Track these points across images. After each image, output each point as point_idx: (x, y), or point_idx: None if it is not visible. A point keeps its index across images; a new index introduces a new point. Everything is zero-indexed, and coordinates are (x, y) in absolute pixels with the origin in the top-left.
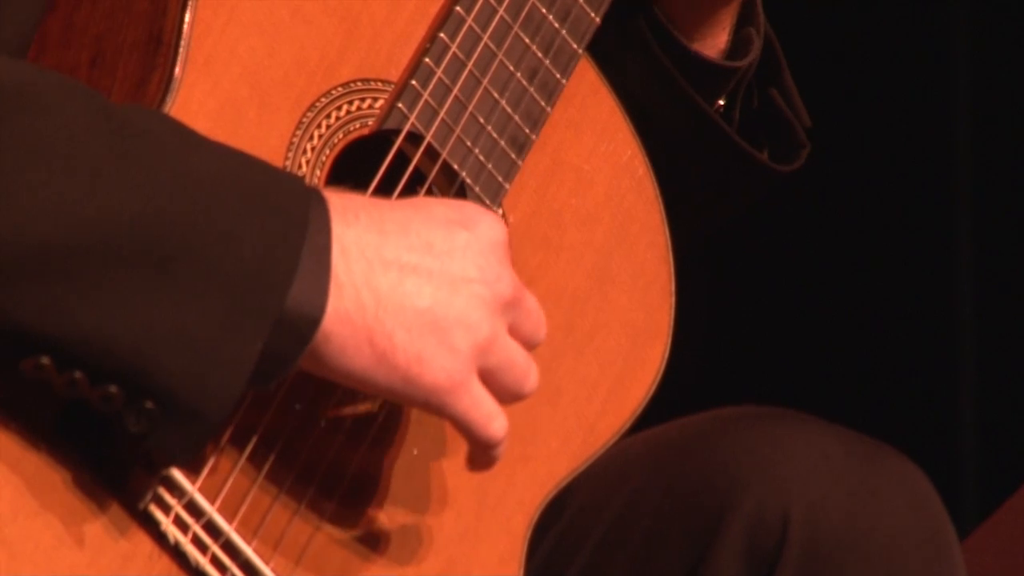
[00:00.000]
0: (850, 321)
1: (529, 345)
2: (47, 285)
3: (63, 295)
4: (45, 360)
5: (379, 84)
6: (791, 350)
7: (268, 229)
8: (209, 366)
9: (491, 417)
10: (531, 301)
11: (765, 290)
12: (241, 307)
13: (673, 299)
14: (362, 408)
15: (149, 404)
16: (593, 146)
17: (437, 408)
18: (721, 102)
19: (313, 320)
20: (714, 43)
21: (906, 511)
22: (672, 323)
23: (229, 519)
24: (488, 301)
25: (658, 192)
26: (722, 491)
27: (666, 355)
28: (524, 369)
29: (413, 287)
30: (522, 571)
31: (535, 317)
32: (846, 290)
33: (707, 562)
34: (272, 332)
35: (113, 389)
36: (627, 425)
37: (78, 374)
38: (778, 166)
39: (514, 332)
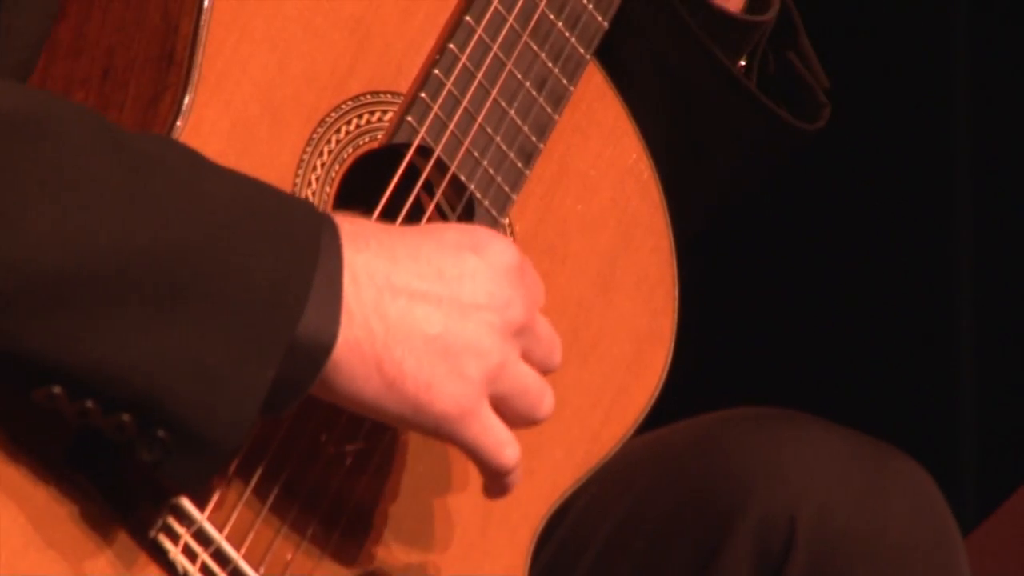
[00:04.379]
0: (850, 322)
1: (543, 370)
2: (59, 314)
3: (75, 324)
4: (57, 389)
5: (388, 96)
6: (790, 351)
7: (280, 257)
8: (222, 395)
9: (502, 444)
10: (544, 326)
11: (764, 291)
12: (253, 336)
13: (676, 303)
14: (366, 436)
15: (161, 433)
16: (599, 150)
17: (447, 436)
18: (742, 63)
19: (325, 347)
20: (734, 1)
21: (912, 513)
22: (675, 327)
23: (237, 547)
24: (498, 327)
25: (663, 196)
26: (729, 494)
27: (669, 360)
28: (538, 394)
29: (423, 314)
30: None
31: (548, 342)
32: (845, 292)
33: (715, 564)
34: (284, 360)
35: (125, 418)
36: (630, 432)
37: (90, 403)
38: (803, 124)
39: (527, 357)
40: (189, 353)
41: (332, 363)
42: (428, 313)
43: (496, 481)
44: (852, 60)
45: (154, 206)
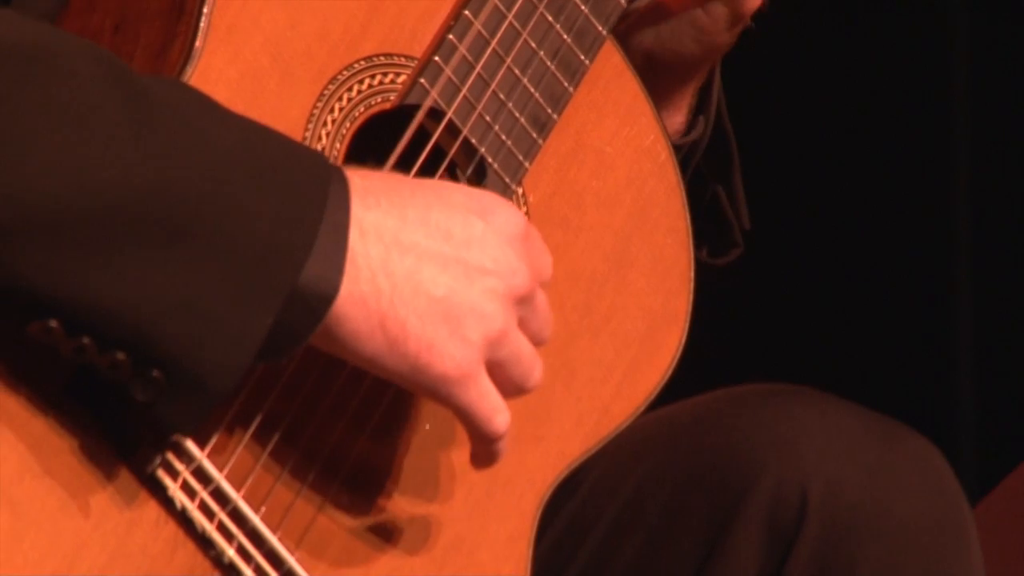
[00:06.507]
0: (852, 304)
1: (536, 342)
2: (59, 249)
3: (74, 259)
4: (53, 323)
5: (402, 59)
6: (792, 334)
7: (286, 203)
8: (217, 338)
9: (495, 410)
10: (541, 299)
11: (769, 275)
12: (253, 281)
13: (692, 285)
14: (376, 378)
15: (156, 373)
16: (616, 129)
17: (444, 397)
18: None
19: (327, 298)
20: (670, 123)
21: (923, 489)
22: (690, 310)
23: (237, 487)
24: (503, 294)
25: (680, 178)
26: (740, 469)
27: (683, 341)
28: (530, 363)
29: (429, 275)
30: (531, 550)
31: (543, 315)
32: (849, 275)
33: (726, 539)
34: (285, 308)
35: (120, 356)
36: (641, 408)
37: (86, 339)
38: (709, 260)
39: (523, 327)
40: (187, 293)
41: (335, 316)
42: (434, 274)
43: (485, 447)
44: (855, 56)
45: (159, 145)
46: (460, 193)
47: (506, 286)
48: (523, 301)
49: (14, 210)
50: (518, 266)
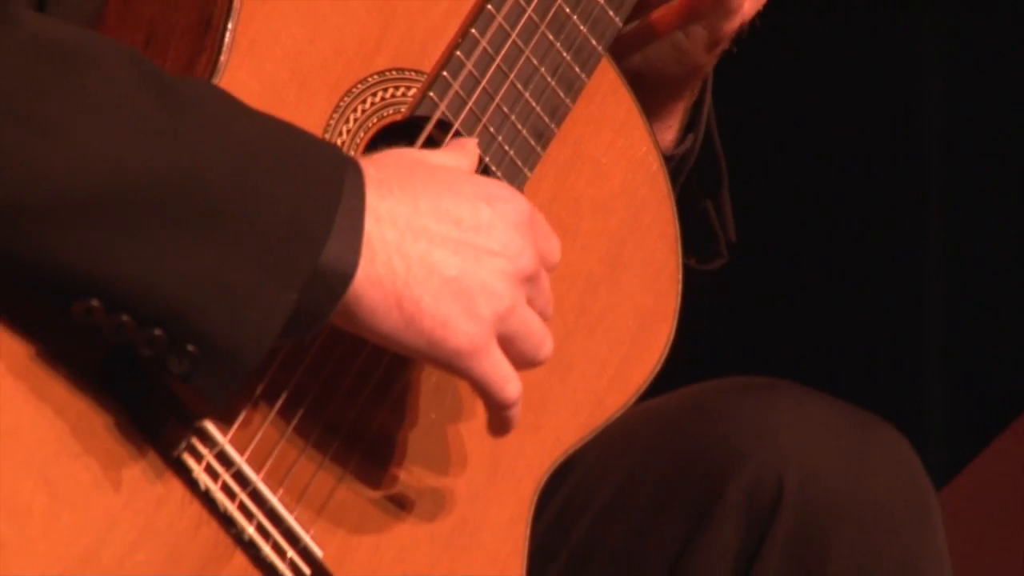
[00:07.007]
0: (828, 306)
1: (542, 317)
2: (95, 230)
3: (110, 240)
4: (95, 303)
5: (412, 74)
6: (772, 332)
7: (306, 190)
8: (246, 313)
9: (507, 380)
10: (545, 279)
11: (751, 278)
12: (277, 260)
13: (680, 287)
14: (384, 372)
15: (191, 347)
16: (611, 141)
17: (459, 370)
18: None
19: (345, 276)
20: (660, 139)
21: (893, 475)
22: (678, 309)
23: (257, 470)
24: (510, 274)
25: (670, 187)
26: (722, 458)
27: (671, 338)
28: (540, 337)
29: (441, 257)
30: (529, 531)
31: (547, 293)
32: (824, 280)
33: (708, 522)
34: (306, 286)
35: (158, 332)
36: (632, 400)
37: (125, 317)
38: (696, 264)
39: (531, 304)
40: (217, 273)
41: (354, 295)
42: (446, 256)
43: (499, 414)
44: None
45: (188, 135)
46: (469, 182)
47: (513, 267)
48: (529, 280)
49: (55, 193)
50: (524, 248)
